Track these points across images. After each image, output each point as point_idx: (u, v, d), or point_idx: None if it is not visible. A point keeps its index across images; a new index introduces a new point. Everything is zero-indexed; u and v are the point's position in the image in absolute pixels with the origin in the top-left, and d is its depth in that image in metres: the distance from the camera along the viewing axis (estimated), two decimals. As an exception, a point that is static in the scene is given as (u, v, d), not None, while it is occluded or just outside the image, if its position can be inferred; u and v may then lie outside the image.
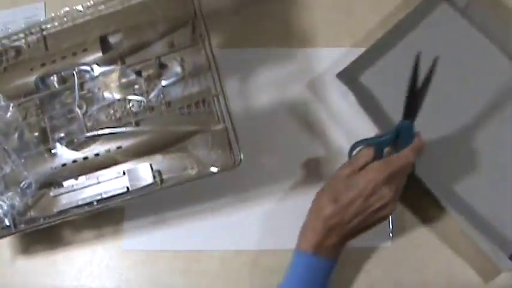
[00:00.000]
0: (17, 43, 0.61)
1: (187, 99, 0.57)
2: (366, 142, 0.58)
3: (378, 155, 0.57)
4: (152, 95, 0.57)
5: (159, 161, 0.57)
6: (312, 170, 0.68)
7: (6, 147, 0.58)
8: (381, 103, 0.68)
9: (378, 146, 0.58)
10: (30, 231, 0.59)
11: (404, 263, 0.65)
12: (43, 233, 0.63)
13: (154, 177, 0.57)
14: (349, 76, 0.67)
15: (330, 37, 0.72)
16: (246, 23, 0.73)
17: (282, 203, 0.67)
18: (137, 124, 0.57)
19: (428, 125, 0.60)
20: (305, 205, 0.64)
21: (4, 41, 0.62)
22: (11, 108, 0.59)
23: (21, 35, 0.61)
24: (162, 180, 0.57)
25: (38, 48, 0.61)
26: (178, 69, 0.57)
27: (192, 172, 0.57)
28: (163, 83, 0.58)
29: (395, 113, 0.62)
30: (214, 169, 0.56)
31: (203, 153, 0.56)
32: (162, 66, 0.58)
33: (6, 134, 0.59)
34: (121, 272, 0.65)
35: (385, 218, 0.56)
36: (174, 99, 0.57)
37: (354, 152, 0.59)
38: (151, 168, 0.57)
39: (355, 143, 0.59)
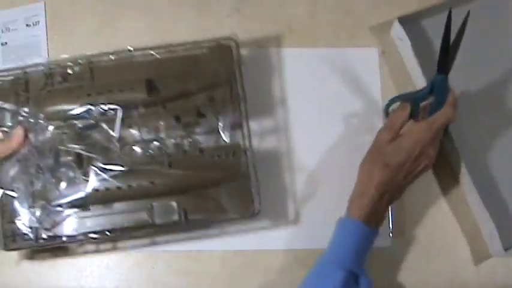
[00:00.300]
0: (63, 70, 0.64)
1: (218, 149, 0.63)
2: (401, 98, 0.59)
3: (415, 111, 0.58)
4: (187, 140, 0.63)
5: (186, 200, 0.61)
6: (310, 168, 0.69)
7: (41, 165, 0.60)
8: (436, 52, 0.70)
9: (413, 102, 0.58)
10: (49, 247, 0.62)
11: (404, 263, 0.65)
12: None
13: (179, 215, 0.60)
14: (411, 21, 0.70)
15: (330, 37, 0.72)
16: (246, 23, 0.73)
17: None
18: (170, 164, 0.61)
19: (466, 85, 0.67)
20: (305, 205, 0.64)
21: (52, 66, 0.64)
22: (50, 129, 0.61)
23: (69, 63, 0.64)
24: (186, 219, 0.61)
25: (84, 78, 0.64)
26: (214, 121, 0.63)
27: (214, 216, 0.62)
28: (199, 130, 0.63)
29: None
30: (234, 216, 0.61)
31: (226, 199, 0.62)
32: (200, 116, 0.63)
33: (42, 152, 0.61)
34: (121, 272, 0.66)
35: (423, 173, 0.58)
36: (206, 147, 0.63)
37: (391, 109, 0.60)
38: (178, 207, 0.61)
39: (391, 99, 0.60)
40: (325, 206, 0.66)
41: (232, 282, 0.65)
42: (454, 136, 0.63)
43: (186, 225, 0.61)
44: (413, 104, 0.58)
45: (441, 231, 0.66)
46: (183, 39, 0.72)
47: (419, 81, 0.67)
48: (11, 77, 0.64)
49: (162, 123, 0.62)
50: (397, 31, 0.69)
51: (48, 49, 0.72)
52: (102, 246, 0.66)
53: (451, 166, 0.67)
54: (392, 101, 0.59)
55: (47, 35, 0.73)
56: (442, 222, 0.67)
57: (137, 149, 0.62)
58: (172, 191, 0.61)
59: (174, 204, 0.61)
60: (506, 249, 0.60)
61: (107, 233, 0.60)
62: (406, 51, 0.69)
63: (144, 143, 0.62)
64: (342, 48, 0.72)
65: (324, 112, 0.70)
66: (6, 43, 0.73)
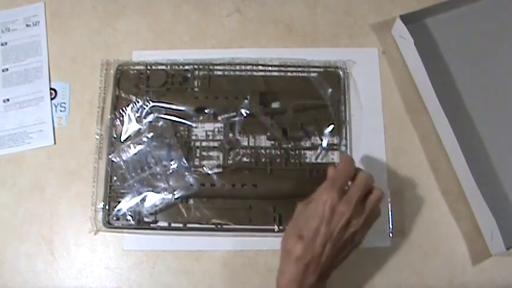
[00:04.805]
0: (184, 73, 0.71)
1: (317, 165, 0.68)
2: None
3: None
4: (290, 152, 0.68)
5: (282, 207, 0.66)
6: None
7: (156, 153, 0.66)
8: (440, 50, 0.72)
9: None
10: (150, 233, 0.66)
11: (404, 263, 0.65)
12: (43, 233, 0.64)
13: (274, 219, 0.65)
14: (413, 19, 0.70)
15: (330, 37, 0.72)
16: (246, 23, 0.73)
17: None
18: (271, 171, 0.67)
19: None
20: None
21: (175, 67, 0.70)
22: (163, 123, 0.68)
23: (190, 68, 0.71)
24: (280, 224, 0.65)
25: (203, 83, 0.70)
26: (316, 139, 0.69)
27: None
28: (302, 145, 0.68)
29: (452, 62, 0.70)
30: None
31: None
32: (304, 132, 0.68)
33: (158, 143, 0.67)
34: (121, 272, 0.65)
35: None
36: (306, 162, 0.68)
37: None
38: (275, 211, 0.66)
39: None
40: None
41: (232, 282, 0.65)
42: (456, 134, 0.63)
43: (279, 229, 0.65)
44: None
45: (441, 231, 0.66)
46: (183, 39, 0.73)
47: (421, 80, 0.67)
48: (135, 71, 0.70)
49: (269, 134, 0.68)
50: (399, 29, 0.69)
51: (48, 49, 0.73)
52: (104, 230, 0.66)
53: (451, 165, 0.67)
54: None
55: (47, 35, 0.73)
56: (442, 222, 0.66)
57: (243, 153, 0.68)
58: (271, 196, 0.66)
59: (271, 208, 0.66)
60: (508, 248, 0.60)
61: (203, 225, 0.65)
62: (408, 49, 0.69)
63: (250, 149, 0.68)
64: (342, 48, 0.72)
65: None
66: (6, 43, 0.73)
